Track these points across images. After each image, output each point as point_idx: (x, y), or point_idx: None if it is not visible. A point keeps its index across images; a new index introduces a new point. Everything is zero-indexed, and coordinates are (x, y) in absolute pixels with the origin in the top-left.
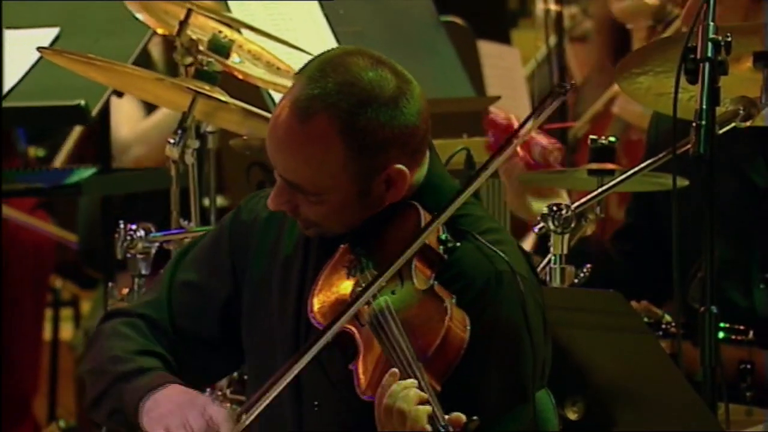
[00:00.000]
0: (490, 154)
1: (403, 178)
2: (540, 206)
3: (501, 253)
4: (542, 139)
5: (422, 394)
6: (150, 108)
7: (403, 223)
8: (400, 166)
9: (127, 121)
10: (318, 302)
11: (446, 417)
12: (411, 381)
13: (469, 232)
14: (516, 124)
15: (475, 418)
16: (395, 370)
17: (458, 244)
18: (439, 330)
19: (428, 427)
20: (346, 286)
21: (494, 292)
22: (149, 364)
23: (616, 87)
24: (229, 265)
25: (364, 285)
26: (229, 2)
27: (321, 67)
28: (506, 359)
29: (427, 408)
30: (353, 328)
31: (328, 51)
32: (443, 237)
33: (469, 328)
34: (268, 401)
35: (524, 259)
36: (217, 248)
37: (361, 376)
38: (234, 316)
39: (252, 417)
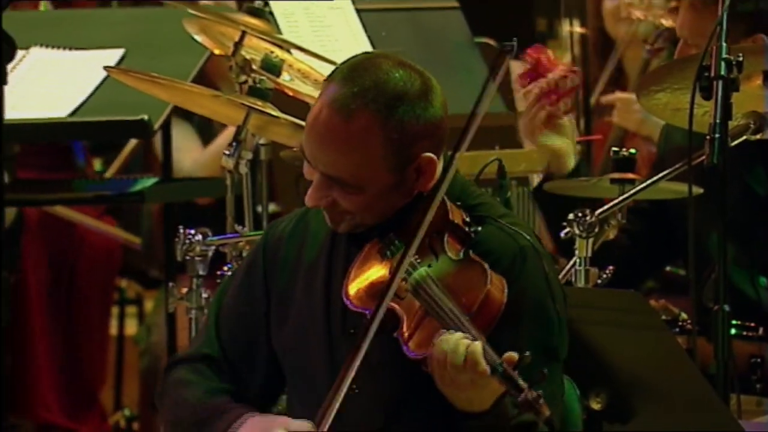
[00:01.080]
0: (521, 84)
1: (432, 166)
2: (545, 139)
3: (521, 231)
4: (559, 70)
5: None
6: (204, 135)
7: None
8: (429, 154)
9: (187, 152)
10: (353, 288)
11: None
12: (462, 333)
13: (488, 216)
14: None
15: (527, 353)
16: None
17: (479, 228)
18: (482, 289)
19: (486, 366)
20: (378, 270)
21: (520, 265)
22: (221, 405)
23: (616, 95)
24: (263, 287)
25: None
26: (280, 24)
27: (353, 70)
28: (536, 323)
29: (480, 349)
30: (393, 304)
31: (353, 57)
32: (467, 219)
33: (506, 291)
34: (339, 401)
35: (536, 237)
36: (250, 275)
37: (408, 339)
38: (269, 334)
39: (330, 418)
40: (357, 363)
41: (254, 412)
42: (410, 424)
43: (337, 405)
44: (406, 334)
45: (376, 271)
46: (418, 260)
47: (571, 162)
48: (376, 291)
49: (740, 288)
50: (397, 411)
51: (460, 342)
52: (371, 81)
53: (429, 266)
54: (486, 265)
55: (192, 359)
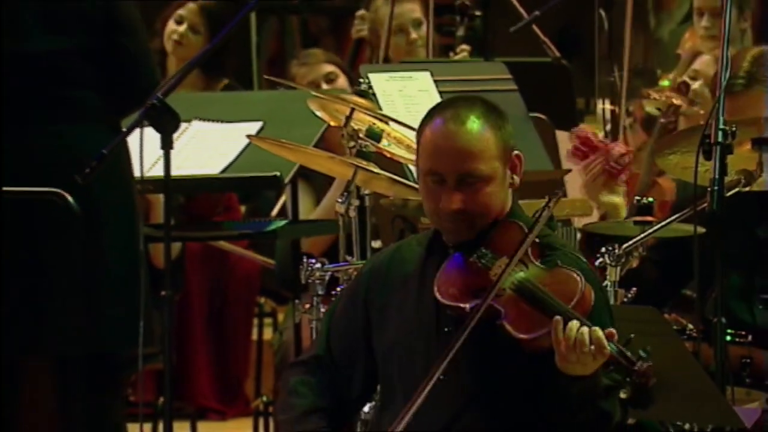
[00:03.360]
0: (575, 156)
1: (520, 161)
2: (606, 198)
3: (579, 255)
4: (618, 148)
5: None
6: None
7: (507, 231)
8: (517, 151)
9: (307, 208)
10: (445, 287)
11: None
12: (575, 321)
13: (554, 243)
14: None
15: (632, 335)
16: (558, 317)
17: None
18: (578, 289)
19: (608, 345)
20: (469, 274)
21: (586, 277)
22: (313, 427)
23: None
24: (363, 304)
25: (488, 267)
26: (380, 102)
27: (459, 101)
28: (608, 317)
29: (602, 333)
30: (490, 301)
31: (445, 101)
32: (538, 242)
33: (593, 294)
34: (431, 384)
35: None
36: (354, 295)
37: (514, 325)
38: (369, 341)
39: (420, 399)
40: (453, 352)
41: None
42: (485, 408)
43: (427, 390)
44: (511, 322)
45: (468, 275)
46: (510, 267)
47: (624, 213)
48: (469, 290)
49: (740, 316)
50: (475, 393)
51: (582, 329)
52: (481, 104)
53: (523, 272)
54: (578, 273)
55: (306, 361)
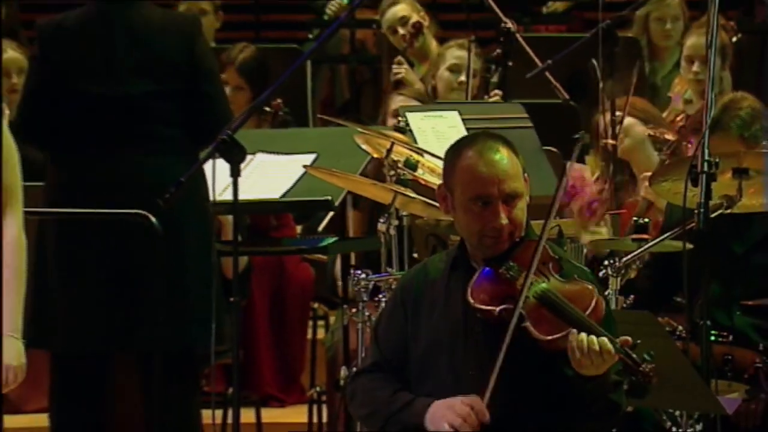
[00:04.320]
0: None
1: (527, 181)
2: (595, 231)
3: (586, 269)
4: (590, 191)
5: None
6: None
7: (528, 248)
8: (526, 174)
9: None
10: (477, 293)
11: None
12: (587, 335)
13: (565, 258)
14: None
15: (639, 340)
16: (574, 333)
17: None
18: (592, 299)
19: (612, 347)
20: (498, 283)
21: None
22: (408, 398)
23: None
24: (402, 312)
25: (514, 278)
26: (416, 137)
27: (481, 135)
28: (614, 324)
29: (605, 337)
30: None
31: (466, 137)
32: (557, 257)
33: (605, 304)
34: (494, 380)
35: None
36: (394, 306)
37: (537, 328)
38: (408, 342)
39: (488, 394)
40: (504, 348)
41: (434, 399)
42: (511, 398)
43: (492, 382)
44: (533, 325)
45: (497, 284)
46: (534, 280)
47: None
48: (497, 296)
49: (721, 320)
50: (502, 387)
51: (592, 339)
52: (493, 135)
53: (544, 283)
54: (592, 285)
55: (367, 370)
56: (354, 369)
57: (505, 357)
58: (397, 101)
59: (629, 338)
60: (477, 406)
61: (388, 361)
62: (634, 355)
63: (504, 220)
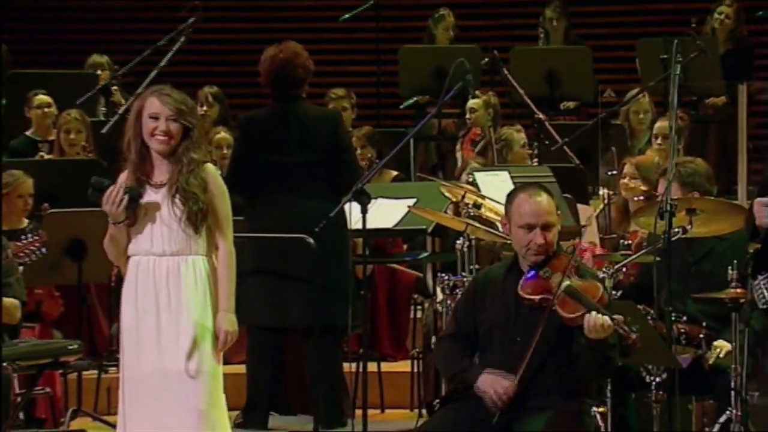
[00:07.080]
0: None
1: (559, 216)
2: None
3: (594, 272)
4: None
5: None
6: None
7: (559, 259)
8: (558, 211)
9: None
10: (527, 288)
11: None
12: (596, 314)
13: (582, 265)
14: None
15: (629, 318)
16: (588, 312)
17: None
18: (599, 291)
19: (611, 323)
20: (539, 282)
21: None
22: (470, 363)
23: None
24: (472, 300)
25: (549, 278)
26: (481, 187)
27: (529, 185)
28: (609, 308)
29: (607, 316)
30: (548, 296)
31: (519, 186)
32: (576, 264)
33: (607, 295)
34: (528, 358)
35: None
36: (467, 295)
37: (564, 310)
38: (476, 321)
39: (531, 350)
40: (539, 330)
41: (486, 369)
42: (548, 357)
43: (525, 362)
44: (561, 308)
45: (538, 282)
46: (563, 279)
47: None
48: (538, 290)
49: (678, 308)
50: (543, 351)
51: (598, 317)
52: (535, 185)
53: (568, 281)
54: (599, 282)
55: (448, 335)
56: (440, 335)
57: (542, 330)
58: (469, 165)
59: (621, 317)
60: (510, 388)
61: (463, 331)
62: (626, 327)
63: (541, 240)
